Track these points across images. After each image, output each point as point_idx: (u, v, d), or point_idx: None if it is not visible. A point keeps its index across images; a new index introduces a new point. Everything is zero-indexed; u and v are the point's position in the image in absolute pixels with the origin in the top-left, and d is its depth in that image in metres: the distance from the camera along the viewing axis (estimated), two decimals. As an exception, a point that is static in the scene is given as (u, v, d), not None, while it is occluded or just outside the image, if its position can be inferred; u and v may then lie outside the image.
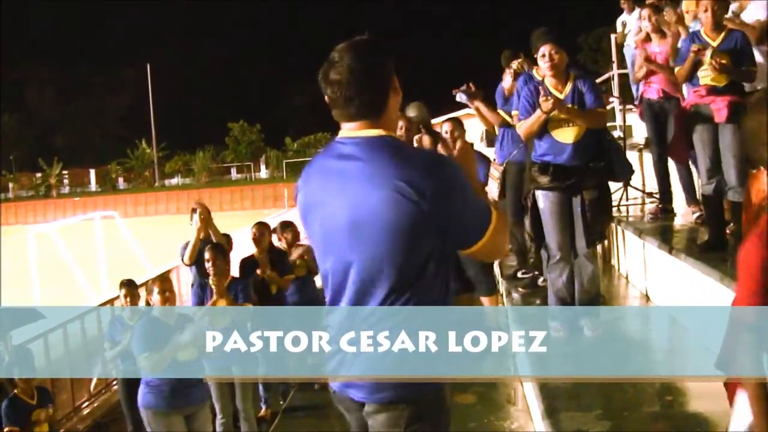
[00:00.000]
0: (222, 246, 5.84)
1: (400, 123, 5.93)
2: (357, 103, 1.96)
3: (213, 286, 5.47)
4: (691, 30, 5.21)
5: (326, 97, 2.01)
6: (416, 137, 4.66)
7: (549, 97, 4.03)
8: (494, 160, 5.84)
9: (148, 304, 5.00)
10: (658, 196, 6.52)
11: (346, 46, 1.98)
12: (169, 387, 4.75)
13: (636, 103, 8.49)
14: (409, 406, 1.97)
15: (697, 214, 5.42)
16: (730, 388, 2.54)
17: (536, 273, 5.64)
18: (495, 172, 5.60)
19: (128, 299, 6.13)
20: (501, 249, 2.08)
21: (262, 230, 6.47)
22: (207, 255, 5.54)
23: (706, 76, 4.40)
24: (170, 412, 4.79)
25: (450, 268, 2.04)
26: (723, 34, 4.34)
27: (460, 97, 5.24)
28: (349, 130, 2.02)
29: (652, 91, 5.80)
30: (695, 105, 4.59)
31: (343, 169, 1.98)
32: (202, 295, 5.51)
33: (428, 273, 1.95)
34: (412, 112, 5.03)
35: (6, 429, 5.62)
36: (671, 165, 5.80)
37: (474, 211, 1.96)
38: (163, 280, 4.99)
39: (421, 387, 1.97)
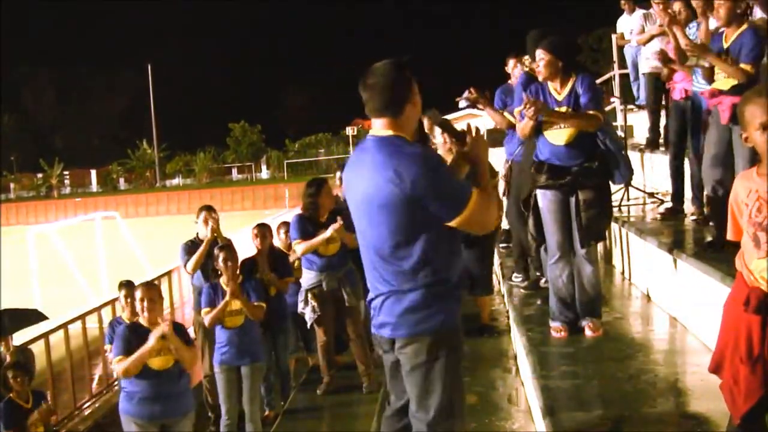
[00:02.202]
0: (233, 247, 5.86)
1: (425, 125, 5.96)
2: (379, 106, 2.57)
3: (225, 287, 5.47)
4: (689, 30, 5.20)
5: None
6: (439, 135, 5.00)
7: (531, 104, 4.05)
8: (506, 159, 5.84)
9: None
10: (661, 196, 6.50)
11: (381, 64, 2.58)
12: (141, 394, 4.67)
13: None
14: (426, 339, 2.55)
15: (694, 216, 5.41)
16: (725, 389, 2.53)
17: (538, 274, 5.65)
18: (502, 170, 5.60)
19: (128, 300, 6.13)
20: (482, 223, 2.56)
21: (262, 231, 6.47)
22: (221, 255, 5.56)
23: (717, 79, 4.39)
24: (143, 422, 4.71)
25: (455, 234, 2.58)
26: (737, 33, 4.30)
27: (463, 104, 5.24)
28: (373, 129, 2.62)
29: (677, 92, 5.76)
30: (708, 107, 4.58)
31: (363, 159, 2.61)
32: (214, 296, 5.52)
33: (429, 238, 2.51)
34: (426, 117, 5.10)
35: None
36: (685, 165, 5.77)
37: (449, 191, 2.48)
38: (148, 288, 4.93)
39: (435, 324, 2.55)
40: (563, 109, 4.14)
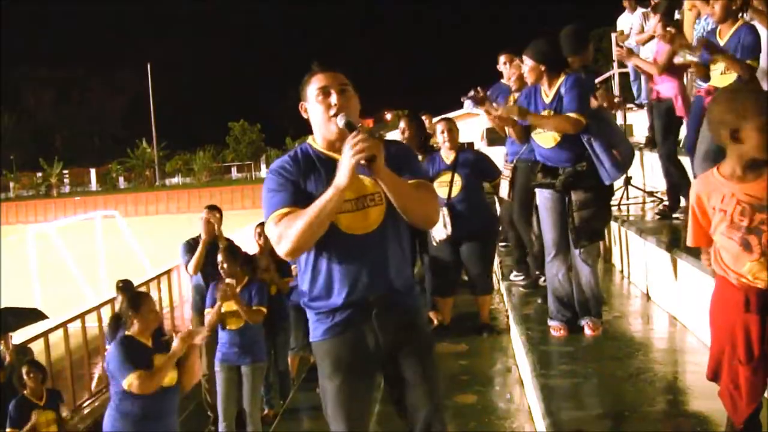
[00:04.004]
0: (234, 248, 5.84)
1: (402, 125, 5.96)
2: None
3: (223, 290, 5.47)
4: (695, 29, 5.21)
5: None
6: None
7: (501, 107, 4.19)
8: (505, 159, 5.82)
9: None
10: (660, 195, 6.50)
11: None
12: (142, 413, 4.12)
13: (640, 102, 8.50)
14: None
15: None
16: (725, 394, 2.51)
17: (537, 273, 5.65)
18: (506, 172, 5.59)
19: None
20: (277, 238, 2.35)
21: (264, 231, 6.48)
22: (219, 257, 5.57)
23: (713, 76, 4.40)
24: None
25: (337, 252, 2.47)
26: (733, 30, 4.30)
27: (468, 104, 5.24)
28: None
29: (653, 92, 5.85)
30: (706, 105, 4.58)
31: None
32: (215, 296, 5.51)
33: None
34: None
35: (7, 430, 5.60)
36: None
37: (263, 202, 2.44)
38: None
39: (311, 336, 2.59)
40: (546, 112, 4.16)
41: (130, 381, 3.98)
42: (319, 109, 2.42)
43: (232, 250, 5.76)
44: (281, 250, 2.33)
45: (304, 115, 2.51)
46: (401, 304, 2.49)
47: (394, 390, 2.53)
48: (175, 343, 4.18)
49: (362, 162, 2.21)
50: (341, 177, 2.24)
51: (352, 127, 2.30)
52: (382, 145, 2.27)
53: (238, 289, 5.51)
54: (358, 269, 2.42)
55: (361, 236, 2.41)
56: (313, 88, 2.45)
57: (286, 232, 2.30)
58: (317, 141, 2.50)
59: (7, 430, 5.58)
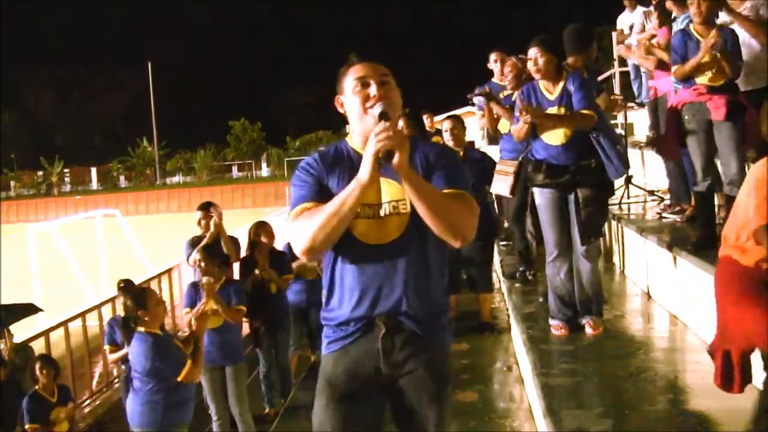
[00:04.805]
0: (213, 248, 5.80)
1: (401, 124, 5.97)
2: None
3: (204, 287, 5.46)
4: (676, 25, 5.22)
5: None
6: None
7: (526, 109, 4.03)
8: (501, 157, 5.82)
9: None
10: (661, 194, 6.50)
11: None
12: (171, 402, 4.44)
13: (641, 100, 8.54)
14: None
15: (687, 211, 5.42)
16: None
17: (521, 268, 5.74)
18: (507, 168, 5.58)
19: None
20: (293, 235, 2.18)
21: (263, 229, 6.47)
22: (197, 256, 5.53)
23: (703, 75, 4.42)
24: (166, 429, 4.51)
25: (359, 262, 2.28)
26: (714, 32, 4.33)
27: (478, 100, 5.23)
28: None
29: (652, 90, 5.88)
30: (689, 103, 4.59)
31: None
32: (194, 296, 5.50)
33: (328, 255, 2.32)
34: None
35: (26, 426, 5.60)
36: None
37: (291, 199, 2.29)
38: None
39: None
40: (554, 109, 4.15)
41: (186, 373, 4.29)
42: (356, 101, 2.20)
43: (209, 249, 5.71)
44: (297, 248, 2.14)
45: (340, 110, 2.30)
46: (416, 332, 2.20)
47: (395, 418, 2.30)
48: (194, 325, 4.46)
49: (379, 157, 1.99)
50: (363, 171, 2.04)
51: (386, 118, 2.08)
52: (406, 142, 2.05)
53: (216, 288, 5.42)
54: (368, 282, 2.18)
55: (376, 246, 2.18)
56: (350, 79, 2.23)
57: (302, 229, 2.11)
58: (353, 137, 2.28)
59: (26, 426, 5.57)
